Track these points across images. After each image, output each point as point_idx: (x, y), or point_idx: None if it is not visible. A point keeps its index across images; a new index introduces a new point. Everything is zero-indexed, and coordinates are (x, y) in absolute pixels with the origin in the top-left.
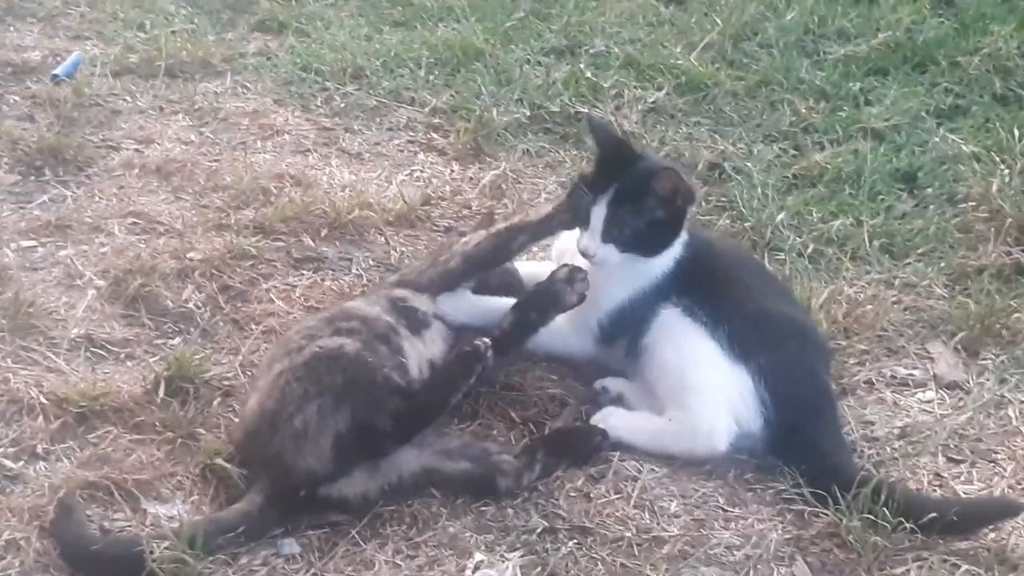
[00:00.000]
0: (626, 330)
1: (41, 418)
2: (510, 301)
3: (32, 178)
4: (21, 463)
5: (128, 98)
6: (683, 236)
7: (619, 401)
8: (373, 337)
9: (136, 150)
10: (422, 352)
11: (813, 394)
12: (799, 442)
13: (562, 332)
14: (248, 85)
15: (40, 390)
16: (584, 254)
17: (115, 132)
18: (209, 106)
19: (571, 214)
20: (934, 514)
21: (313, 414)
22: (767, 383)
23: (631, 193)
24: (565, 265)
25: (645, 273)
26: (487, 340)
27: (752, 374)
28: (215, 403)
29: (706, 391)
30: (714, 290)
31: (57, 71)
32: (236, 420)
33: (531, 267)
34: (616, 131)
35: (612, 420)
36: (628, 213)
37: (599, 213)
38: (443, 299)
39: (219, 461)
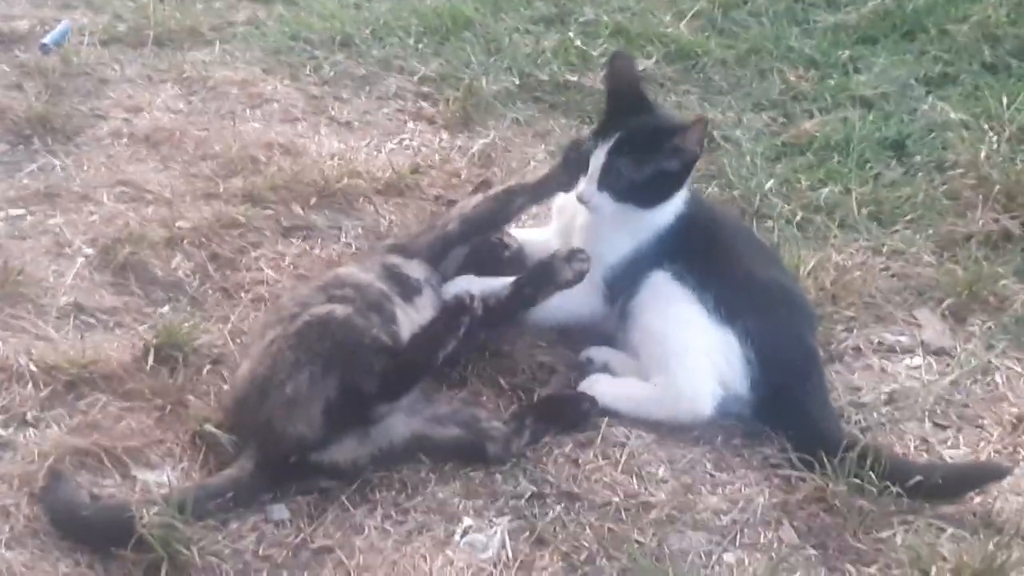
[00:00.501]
0: (630, 285)
1: (31, 385)
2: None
3: (21, 147)
4: (11, 430)
5: (116, 67)
6: (685, 192)
7: (605, 371)
8: (366, 305)
9: (125, 119)
10: (414, 319)
11: (799, 356)
12: (786, 405)
13: (571, 293)
14: (237, 54)
15: (29, 357)
16: (579, 199)
17: (103, 101)
18: (198, 75)
19: (568, 175)
20: (919, 478)
21: (304, 381)
22: (753, 344)
23: (635, 143)
24: (568, 246)
25: (647, 226)
26: (472, 292)
27: (738, 335)
28: (204, 371)
29: (690, 356)
30: (703, 253)
31: (46, 40)
32: (226, 387)
33: (530, 234)
34: (636, 73)
35: (598, 387)
36: (629, 163)
37: (598, 160)
38: (451, 286)
39: (208, 427)
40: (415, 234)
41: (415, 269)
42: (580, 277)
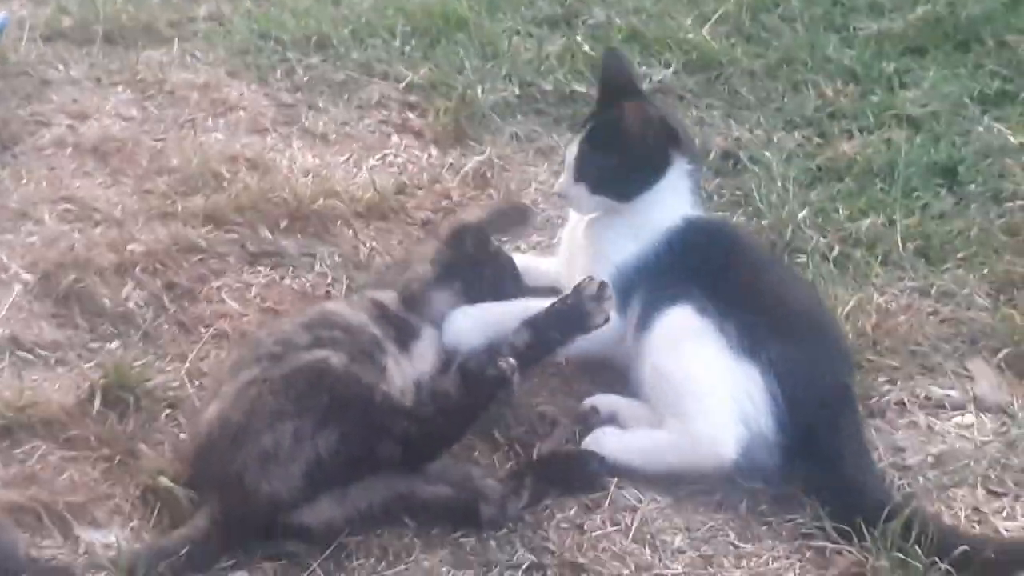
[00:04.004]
0: (637, 295)
1: None
2: (520, 305)
3: None
4: None
5: (60, 67)
6: (680, 188)
7: (612, 421)
8: (358, 351)
9: (69, 126)
10: (407, 373)
11: (831, 394)
12: (818, 453)
13: None
14: (198, 54)
15: None
16: (558, 194)
17: (45, 105)
18: (153, 77)
19: None
20: (966, 547)
21: (287, 434)
22: (778, 377)
23: (603, 130)
24: (591, 279)
25: (647, 225)
26: (512, 361)
27: (761, 368)
28: (159, 416)
29: (709, 395)
30: (725, 276)
31: None
32: (184, 434)
33: (531, 260)
34: (627, 67)
35: (605, 441)
36: (597, 151)
37: (571, 151)
38: (449, 328)
39: (163, 481)
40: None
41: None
42: (607, 319)
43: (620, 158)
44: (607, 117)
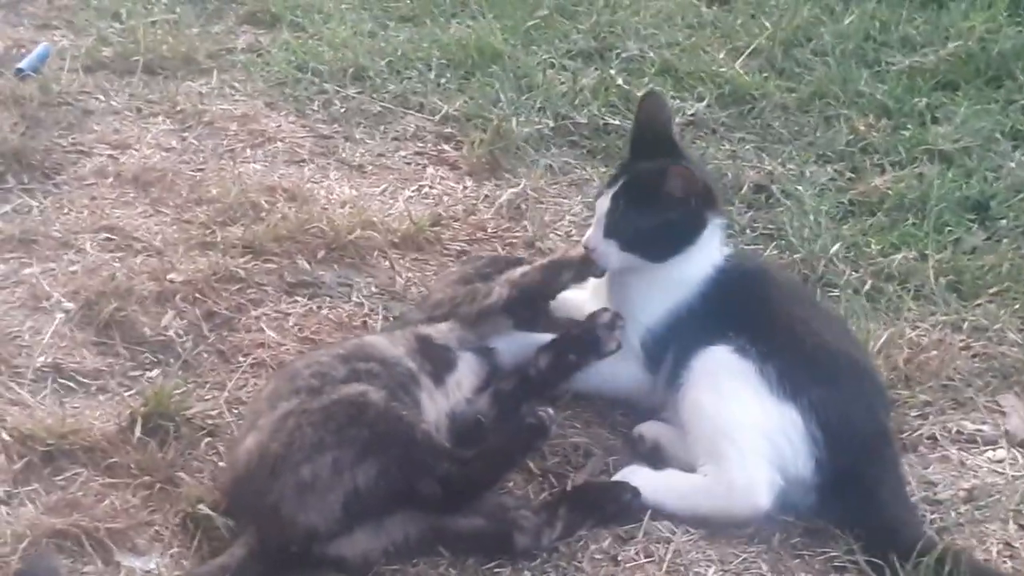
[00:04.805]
0: (670, 350)
1: (3, 457)
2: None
3: None
4: None
5: (101, 97)
6: (711, 243)
7: (655, 451)
8: (395, 385)
9: (110, 156)
10: (441, 407)
11: (871, 435)
12: (855, 492)
13: (606, 361)
14: (236, 85)
15: (2, 425)
16: (584, 246)
17: (87, 135)
18: (192, 108)
19: None
20: None
21: (326, 466)
22: (819, 420)
23: (639, 187)
24: (606, 309)
25: (681, 281)
26: (551, 411)
27: (802, 411)
28: (198, 444)
29: (745, 439)
30: (766, 321)
31: (22, 64)
32: (222, 463)
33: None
34: (667, 116)
35: (636, 480)
36: (632, 209)
37: (603, 205)
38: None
39: (202, 508)
40: (447, 299)
41: (448, 335)
42: (619, 347)
43: (657, 220)
44: (644, 174)
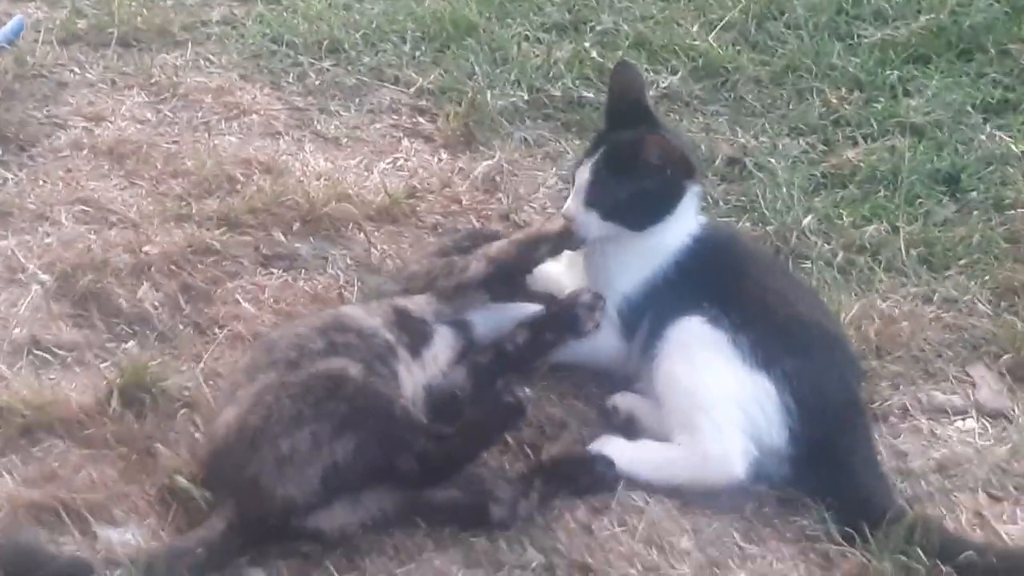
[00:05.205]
0: (645, 318)
1: None
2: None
3: None
4: None
5: (76, 69)
6: (688, 212)
7: (629, 422)
8: (372, 357)
9: (85, 128)
10: (418, 379)
11: (843, 405)
12: (828, 462)
13: None
14: (211, 58)
15: None
16: (564, 216)
17: (62, 108)
18: (167, 80)
19: None
20: (971, 553)
21: (305, 439)
22: (792, 390)
23: (619, 157)
24: (587, 289)
25: (658, 249)
26: (528, 391)
27: (775, 381)
28: (175, 416)
29: (720, 410)
30: (737, 289)
31: None
32: (200, 435)
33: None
34: (640, 85)
35: (610, 450)
36: (612, 179)
37: (582, 175)
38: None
39: (179, 480)
40: (423, 272)
41: (425, 308)
42: (598, 328)
43: (636, 189)
44: (623, 144)
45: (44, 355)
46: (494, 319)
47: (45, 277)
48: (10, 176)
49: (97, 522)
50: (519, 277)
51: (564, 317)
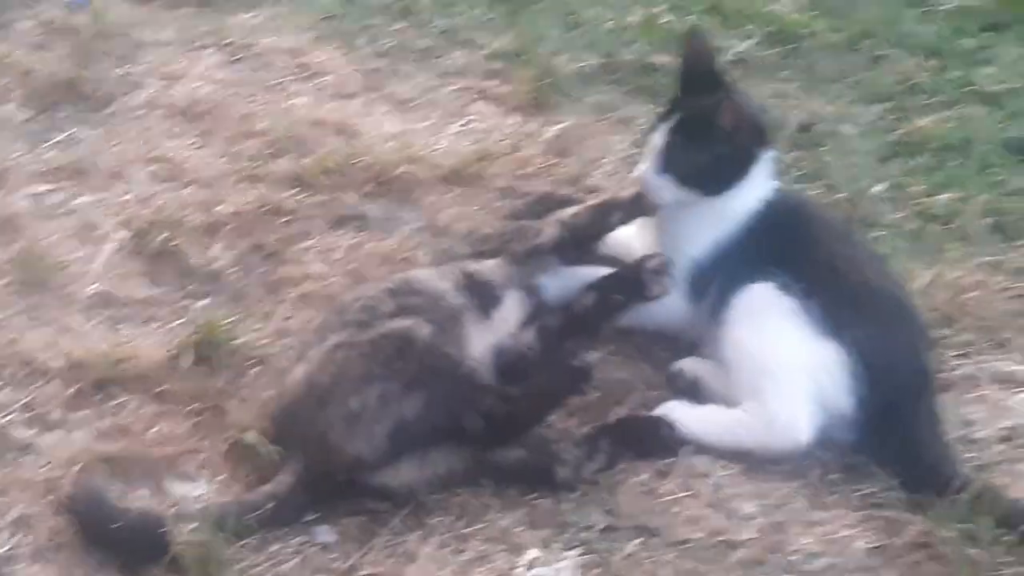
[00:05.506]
0: (714, 283)
1: (55, 383)
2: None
3: (46, 115)
4: (33, 432)
5: (153, 29)
6: (761, 178)
7: (694, 386)
8: (440, 319)
9: (161, 88)
10: (487, 341)
11: (911, 373)
12: (894, 430)
13: None
14: (286, 18)
15: (54, 352)
16: (638, 182)
17: (138, 67)
18: (242, 41)
19: None
20: None
21: (374, 397)
22: (860, 357)
23: (694, 123)
24: (656, 254)
25: (731, 214)
26: (594, 355)
27: (844, 347)
28: (246, 373)
29: (787, 376)
30: (809, 257)
31: None
32: (271, 392)
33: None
34: (711, 52)
35: (676, 414)
36: (687, 145)
37: (656, 141)
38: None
39: (249, 436)
40: (495, 236)
41: (496, 272)
42: (665, 293)
43: (711, 155)
44: (697, 110)
45: (119, 311)
46: (564, 283)
47: (120, 234)
48: (87, 134)
49: (168, 477)
50: (591, 244)
51: (632, 281)
